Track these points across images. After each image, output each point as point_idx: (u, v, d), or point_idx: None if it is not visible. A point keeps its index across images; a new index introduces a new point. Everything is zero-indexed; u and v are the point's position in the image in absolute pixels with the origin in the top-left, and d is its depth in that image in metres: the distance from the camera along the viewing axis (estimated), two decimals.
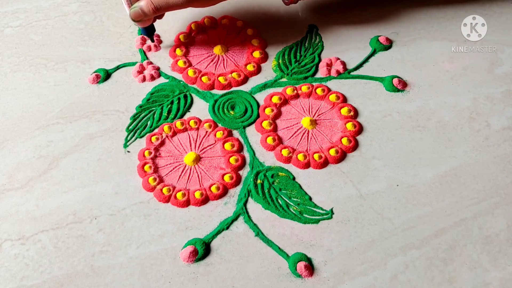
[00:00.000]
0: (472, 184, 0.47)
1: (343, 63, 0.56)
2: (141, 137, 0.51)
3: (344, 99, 0.53)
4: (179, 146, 0.50)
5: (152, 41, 0.57)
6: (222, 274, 0.42)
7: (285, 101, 0.53)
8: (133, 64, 0.57)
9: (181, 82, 0.55)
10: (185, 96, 0.54)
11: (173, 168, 0.48)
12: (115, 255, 0.43)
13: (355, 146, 0.49)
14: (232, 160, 0.48)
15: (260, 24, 0.61)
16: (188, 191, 0.47)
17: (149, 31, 0.55)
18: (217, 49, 0.58)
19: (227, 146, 0.50)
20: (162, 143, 0.50)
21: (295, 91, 0.54)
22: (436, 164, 0.48)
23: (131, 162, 0.49)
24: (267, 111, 0.52)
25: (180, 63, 0.56)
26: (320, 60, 0.57)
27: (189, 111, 0.53)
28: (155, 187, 0.47)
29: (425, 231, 0.44)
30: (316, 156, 0.49)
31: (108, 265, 0.42)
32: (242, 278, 0.42)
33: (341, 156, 0.49)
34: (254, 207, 0.46)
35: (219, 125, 0.52)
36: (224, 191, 0.47)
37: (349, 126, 0.50)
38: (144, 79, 0.55)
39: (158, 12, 0.50)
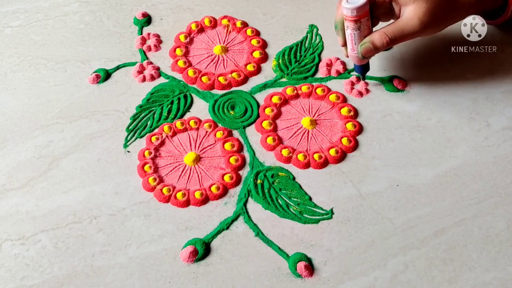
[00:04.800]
0: (472, 184, 0.47)
1: (343, 63, 0.56)
2: (141, 137, 0.51)
3: (344, 99, 0.53)
4: (179, 146, 0.50)
5: (363, 79, 0.52)
6: (222, 274, 0.42)
7: (285, 101, 0.53)
8: (133, 64, 0.57)
9: (181, 82, 0.55)
10: (185, 96, 0.54)
11: (173, 168, 0.49)
12: (115, 255, 0.43)
13: (355, 146, 0.49)
14: (232, 160, 0.48)
15: (260, 24, 0.61)
16: (188, 191, 0.47)
17: (364, 69, 0.51)
18: (217, 49, 0.58)
19: (227, 146, 0.50)
20: (162, 143, 0.50)
21: (295, 91, 0.54)
22: (436, 164, 0.48)
23: (131, 162, 0.49)
24: (267, 111, 0.52)
25: (180, 63, 0.56)
26: (320, 60, 0.57)
27: (189, 111, 0.53)
28: (155, 187, 0.47)
29: (425, 231, 0.44)
30: (316, 156, 0.48)
31: (108, 265, 0.42)
32: (242, 278, 0.42)
33: (341, 156, 0.49)
34: (254, 207, 0.46)
35: (219, 125, 0.52)
36: (224, 191, 0.47)
37: (349, 126, 0.50)
38: (144, 79, 0.55)
39: (392, 44, 0.47)
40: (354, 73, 0.54)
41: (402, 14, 0.46)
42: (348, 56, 0.51)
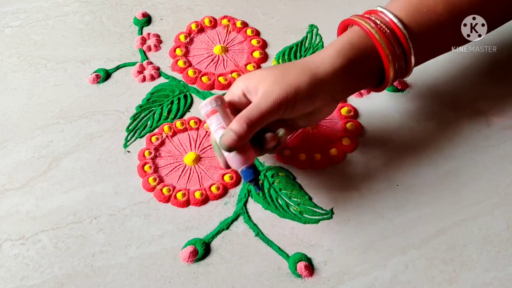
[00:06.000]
0: (472, 184, 0.47)
1: None
2: (141, 137, 0.51)
3: (344, 99, 0.53)
4: (179, 146, 0.50)
5: (259, 188, 0.42)
6: (222, 274, 0.42)
7: None
8: (133, 64, 0.57)
9: (181, 82, 0.55)
10: (185, 96, 0.54)
11: (173, 168, 0.48)
12: (115, 255, 0.43)
13: (355, 146, 0.49)
14: None
15: (260, 24, 0.61)
16: (188, 191, 0.47)
17: (255, 173, 0.41)
18: (217, 49, 0.58)
19: None
20: (162, 143, 0.50)
21: None
22: (436, 164, 0.48)
23: (131, 162, 0.49)
24: None
25: (180, 63, 0.56)
26: None
27: (189, 111, 0.53)
28: (155, 187, 0.47)
29: (425, 231, 0.44)
30: (316, 156, 0.48)
31: (108, 265, 0.42)
32: (242, 278, 0.42)
33: (341, 156, 0.49)
34: (254, 207, 0.46)
35: None
36: (224, 191, 0.47)
37: (349, 126, 0.50)
38: (144, 79, 0.55)
39: (254, 126, 0.39)
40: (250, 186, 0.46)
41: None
42: (227, 168, 0.43)
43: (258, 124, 0.40)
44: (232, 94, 0.43)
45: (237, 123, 0.39)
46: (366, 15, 0.44)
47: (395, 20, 0.42)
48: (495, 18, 0.47)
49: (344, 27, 0.46)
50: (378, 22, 0.42)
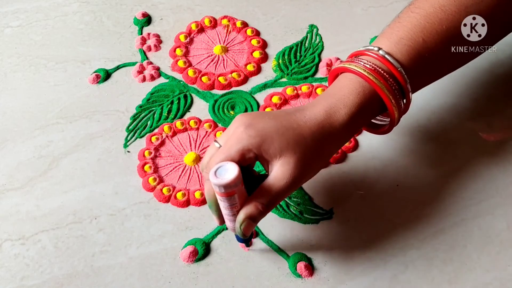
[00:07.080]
0: (472, 184, 0.47)
1: None
2: (141, 137, 0.51)
3: None
4: (179, 146, 0.50)
5: (248, 245, 0.43)
6: (222, 274, 0.42)
7: (285, 101, 0.53)
8: (133, 64, 0.57)
9: (181, 82, 0.55)
10: (185, 96, 0.54)
11: (173, 168, 0.48)
12: (115, 255, 0.43)
13: (355, 146, 0.49)
14: None
15: (260, 24, 0.61)
16: (188, 191, 0.47)
17: (250, 237, 0.42)
18: (217, 49, 0.58)
19: None
20: (162, 143, 0.50)
21: (295, 91, 0.54)
22: (436, 164, 0.48)
23: (131, 162, 0.49)
24: (267, 111, 0.52)
25: (180, 63, 0.56)
26: (320, 60, 0.57)
27: (189, 111, 0.53)
28: (155, 187, 0.47)
29: (425, 231, 0.44)
30: None
31: (108, 265, 0.42)
32: (242, 278, 0.42)
33: (341, 156, 0.49)
34: None
35: (219, 125, 0.52)
36: None
37: None
38: (144, 79, 0.55)
39: (271, 209, 0.38)
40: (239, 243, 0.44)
41: (270, 171, 0.38)
42: (222, 224, 0.42)
43: (276, 205, 0.38)
44: (242, 153, 0.37)
45: (256, 210, 0.37)
46: (366, 65, 0.40)
47: (401, 71, 0.40)
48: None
49: (336, 74, 0.43)
50: (381, 72, 0.40)
